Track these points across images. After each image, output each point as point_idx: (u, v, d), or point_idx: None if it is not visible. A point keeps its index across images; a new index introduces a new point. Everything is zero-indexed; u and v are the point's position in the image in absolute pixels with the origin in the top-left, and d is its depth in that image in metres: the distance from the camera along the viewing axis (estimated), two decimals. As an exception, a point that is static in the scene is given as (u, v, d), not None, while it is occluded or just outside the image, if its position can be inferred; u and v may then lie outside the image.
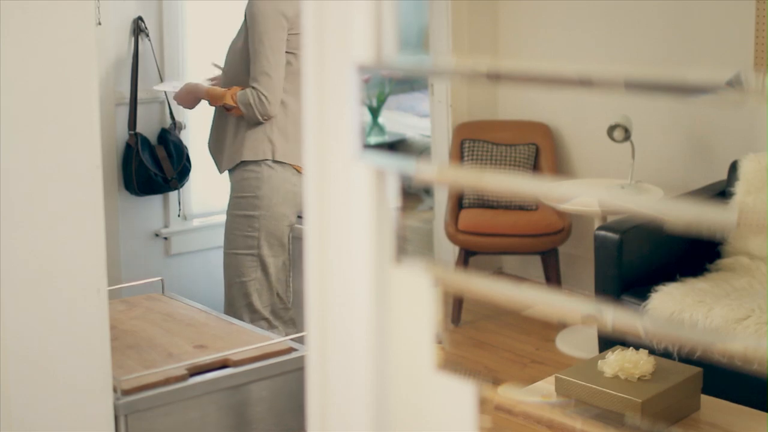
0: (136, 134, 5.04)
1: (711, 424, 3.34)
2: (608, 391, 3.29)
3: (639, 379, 3.33)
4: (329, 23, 0.90)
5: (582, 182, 5.56)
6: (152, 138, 5.14)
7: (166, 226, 5.31)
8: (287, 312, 4.29)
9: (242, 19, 4.22)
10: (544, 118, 5.87)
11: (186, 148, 5.17)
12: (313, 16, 0.91)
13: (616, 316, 0.81)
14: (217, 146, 4.31)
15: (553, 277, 5.42)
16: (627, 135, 4.91)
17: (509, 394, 3.88)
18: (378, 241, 0.91)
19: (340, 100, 0.90)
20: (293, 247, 4.28)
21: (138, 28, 5.08)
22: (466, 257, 5.47)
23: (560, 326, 5.25)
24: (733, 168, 4.64)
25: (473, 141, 5.78)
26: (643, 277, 4.34)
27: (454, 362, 4.99)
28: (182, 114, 5.25)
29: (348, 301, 0.95)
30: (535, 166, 5.72)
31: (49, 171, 2.06)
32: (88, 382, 2.18)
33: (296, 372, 2.64)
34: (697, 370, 3.41)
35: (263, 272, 4.14)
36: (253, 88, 4.08)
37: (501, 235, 5.38)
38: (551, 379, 3.50)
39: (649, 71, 0.74)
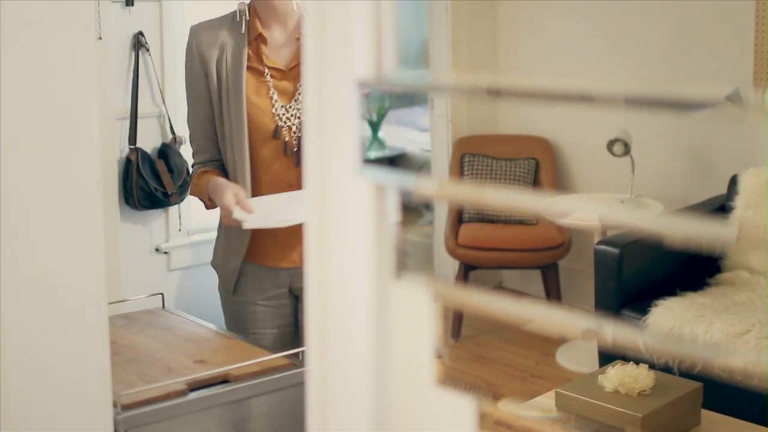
0: (136, 149, 5.05)
1: (711, 439, 3.33)
2: (608, 405, 3.28)
3: (639, 393, 3.33)
4: (329, 39, 0.90)
5: (582, 197, 5.56)
6: (153, 152, 5.14)
7: (166, 241, 5.31)
8: None
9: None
10: (544, 133, 5.88)
11: (186, 162, 5.17)
12: (313, 32, 0.91)
13: (616, 331, 0.81)
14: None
15: (553, 291, 5.42)
16: (627, 149, 4.92)
17: (509, 408, 3.88)
18: (378, 257, 0.91)
19: (340, 115, 0.90)
20: None
21: (139, 43, 5.09)
22: (466, 272, 5.47)
23: (560, 341, 5.25)
24: (733, 182, 4.65)
25: (473, 155, 5.78)
26: (643, 292, 4.33)
27: (454, 377, 4.99)
28: (183, 128, 5.26)
29: (348, 316, 0.95)
30: (535, 181, 5.72)
31: (49, 186, 2.06)
32: (88, 396, 2.18)
33: (297, 387, 2.64)
34: (698, 384, 3.40)
35: None
36: None
37: (501, 249, 5.38)
38: (551, 393, 3.50)
39: (648, 87, 0.74)
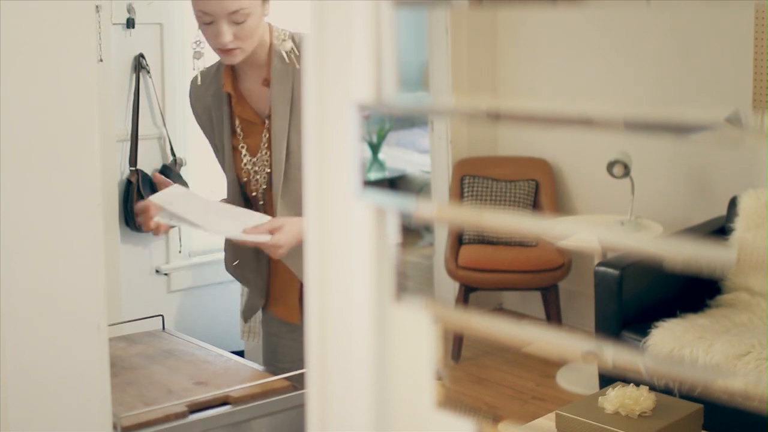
0: (137, 170, 5.06)
1: (712, 461, 3.33)
2: (609, 427, 3.27)
3: (640, 415, 3.32)
4: (329, 62, 0.91)
5: (582, 218, 5.56)
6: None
7: (166, 263, 5.31)
8: None
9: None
10: (543, 154, 5.89)
11: (187, 184, 5.18)
12: (313, 55, 0.91)
13: (616, 353, 0.81)
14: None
15: (553, 313, 5.42)
16: (626, 171, 4.92)
17: (510, 430, 3.87)
18: (378, 279, 0.91)
19: (340, 138, 0.90)
20: None
21: (139, 65, 5.10)
22: (467, 293, 5.47)
23: (561, 362, 5.24)
24: (733, 204, 4.65)
25: (473, 177, 5.79)
26: (643, 313, 4.33)
27: (454, 399, 4.98)
28: (183, 150, 5.27)
29: (348, 339, 0.96)
30: (535, 202, 5.72)
31: (49, 208, 2.06)
32: (88, 418, 2.17)
33: (297, 409, 2.63)
34: (698, 406, 3.40)
35: None
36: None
37: (501, 271, 5.38)
38: (552, 415, 3.49)
39: (648, 110, 0.74)
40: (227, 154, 2.99)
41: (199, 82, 3.00)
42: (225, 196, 3.08)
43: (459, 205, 5.79)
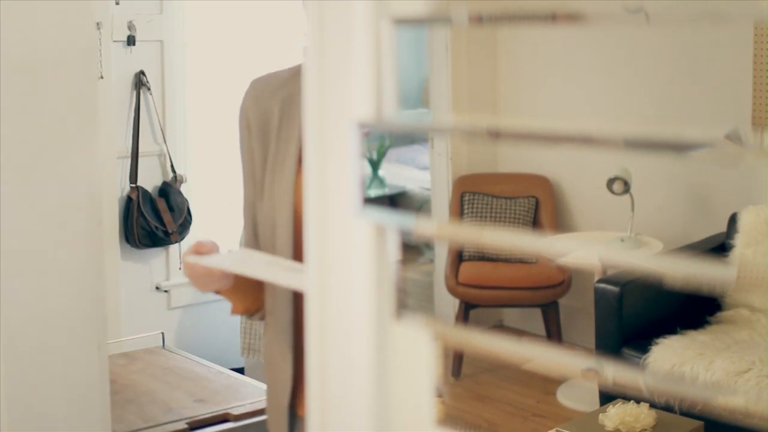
0: (137, 187, 5.06)
1: (713, 478, 3.32)
2: (610, 444, 3.27)
3: (640, 432, 3.32)
4: (329, 81, 0.91)
5: (582, 235, 5.56)
6: (153, 191, 5.15)
7: (167, 279, 5.31)
8: None
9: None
10: (543, 171, 5.89)
11: (187, 201, 5.18)
12: (313, 74, 0.91)
13: (616, 370, 0.81)
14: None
15: (553, 330, 5.41)
16: (626, 187, 4.93)
17: (510, 447, 3.86)
18: (378, 297, 0.91)
19: (340, 157, 0.90)
20: None
21: (140, 82, 5.11)
22: (467, 310, 5.46)
23: (561, 379, 5.23)
24: (733, 220, 4.65)
25: (473, 194, 5.79)
26: (643, 330, 4.33)
27: (454, 416, 4.97)
28: (184, 167, 5.27)
29: (348, 356, 0.96)
30: (535, 219, 5.72)
31: (50, 227, 2.06)
32: (87, 436, 2.17)
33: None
34: (699, 423, 3.39)
35: None
36: None
37: (501, 288, 5.38)
38: (552, 432, 3.49)
39: (648, 129, 0.75)
40: (286, 180, 2.09)
41: (263, 82, 2.21)
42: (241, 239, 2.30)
43: (459, 221, 5.79)
